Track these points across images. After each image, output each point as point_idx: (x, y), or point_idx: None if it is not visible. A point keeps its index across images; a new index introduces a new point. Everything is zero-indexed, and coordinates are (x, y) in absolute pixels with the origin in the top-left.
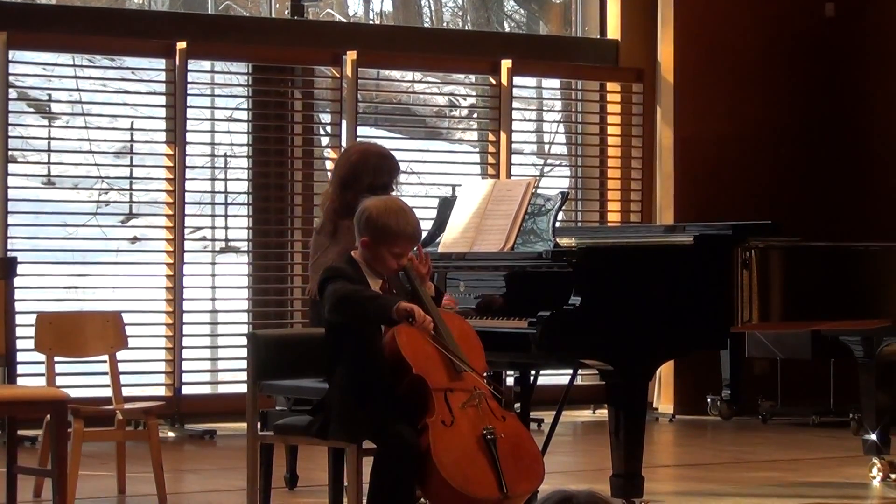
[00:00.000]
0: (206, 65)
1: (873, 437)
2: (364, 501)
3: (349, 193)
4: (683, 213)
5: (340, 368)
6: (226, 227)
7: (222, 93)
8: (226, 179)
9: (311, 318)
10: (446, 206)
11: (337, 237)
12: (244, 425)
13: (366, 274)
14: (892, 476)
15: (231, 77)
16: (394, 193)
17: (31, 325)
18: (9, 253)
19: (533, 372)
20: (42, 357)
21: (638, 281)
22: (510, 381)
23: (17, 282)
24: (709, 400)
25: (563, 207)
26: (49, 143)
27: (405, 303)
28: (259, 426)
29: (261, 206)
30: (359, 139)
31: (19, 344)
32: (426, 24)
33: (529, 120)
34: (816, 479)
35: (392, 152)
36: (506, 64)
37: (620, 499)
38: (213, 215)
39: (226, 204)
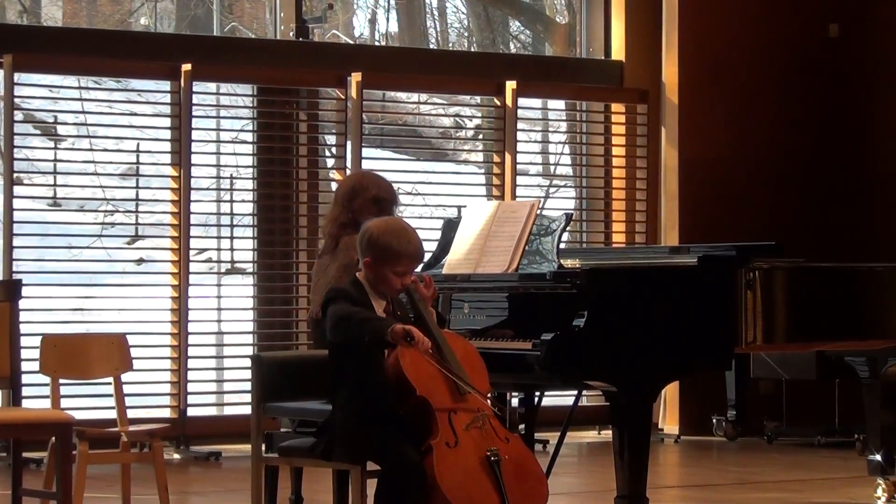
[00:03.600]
0: (212, 86)
1: (878, 457)
2: None
3: (356, 202)
4: (688, 234)
5: (343, 390)
6: (231, 249)
7: (227, 114)
8: (231, 201)
9: (314, 339)
10: (451, 227)
11: (336, 253)
12: (249, 447)
13: (370, 296)
14: None
15: (236, 99)
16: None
17: (37, 348)
18: (14, 275)
19: (537, 393)
20: (47, 379)
21: (642, 302)
22: (514, 402)
23: (22, 304)
24: (714, 420)
25: (568, 228)
26: (55, 164)
27: (400, 325)
28: (264, 448)
29: (266, 228)
30: (363, 161)
31: (24, 366)
32: (431, 46)
33: (534, 141)
34: (822, 499)
35: (389, 174)
36: (511, 85)
37: None
38: (218, 237)
39: (231, 225)
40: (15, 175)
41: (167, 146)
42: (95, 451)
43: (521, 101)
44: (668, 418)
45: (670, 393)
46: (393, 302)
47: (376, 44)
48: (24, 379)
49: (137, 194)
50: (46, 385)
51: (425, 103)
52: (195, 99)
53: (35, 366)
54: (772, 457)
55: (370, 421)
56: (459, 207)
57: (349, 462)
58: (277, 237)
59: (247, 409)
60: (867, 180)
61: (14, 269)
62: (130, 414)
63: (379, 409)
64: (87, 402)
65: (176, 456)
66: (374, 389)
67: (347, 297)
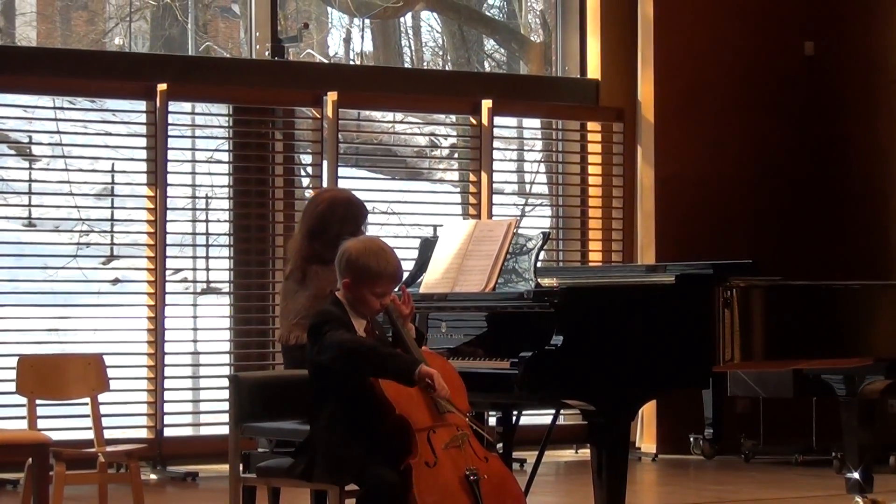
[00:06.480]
0: (187, 106)
1: (856, 475)
2: None
3: (317, 243)
4: (664, 253)
5: (325, 410)
6: (207, 269)
7: (203, 134)
8: (207, 221)
9: (286, 363)
10: (427, 246)
11: (306, 283)
12: (226, 467)
13: (350, 315)
14: None
15: (212, 118)
16: (372, 234)
17: (13, 368)
18: None
19: (515, 412)
20: (24, 400)
21: (620, 321)
22: (492, 421)
23: None
24: (691, 439)
25: (545, 247)
26: (30, 185)
27: (426, 368)
28: (241, 468)
29: (242, 248)
30: (339, 180)
31: (0, 387)
32: (406, 65)
33: (510, 160)
34: None
35: (365, 194)
36: (486, 104)
37: None
38: (194, 257)
39: (207, 245)
40: None
41: (143, 166)
42: (72, 471)
43: (497, 120)
44: (645, 437)
45: (647, 411)
46: (372, 321)
47: (351, 63)
48: (1, 400)
49: (113, 214)
50: (23, 406)
51: (401, 122)
52: (170, 118)
53: (11, 386)
54: (749, 475)
55: (352, 441)
56: (436, 227)
57: (330, 483)
58: (253, 257)
59: (223, 430)
60: (843, 198)
61: None
62: (107, 434)
63: (361, 430)
64: (63, 422)
65: (153, 476)
66: (356, 410)
67: (340, 322)
